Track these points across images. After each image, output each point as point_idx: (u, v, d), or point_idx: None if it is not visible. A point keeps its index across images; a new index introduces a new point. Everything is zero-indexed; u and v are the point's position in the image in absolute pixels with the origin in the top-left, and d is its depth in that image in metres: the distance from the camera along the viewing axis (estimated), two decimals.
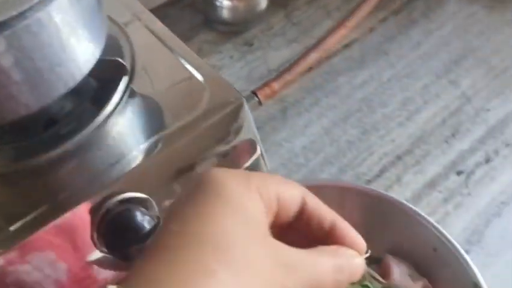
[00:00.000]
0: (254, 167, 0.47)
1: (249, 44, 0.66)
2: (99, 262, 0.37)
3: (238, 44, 0.66)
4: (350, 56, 0.65)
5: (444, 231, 0.40)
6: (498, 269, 0.47)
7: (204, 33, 0.68)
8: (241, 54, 0.65)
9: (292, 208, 0.26)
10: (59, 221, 0.32)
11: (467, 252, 0.46)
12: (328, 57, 0.64)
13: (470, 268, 0.38)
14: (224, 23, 0.67)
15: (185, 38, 0.65)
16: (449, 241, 0.39)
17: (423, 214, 0.41)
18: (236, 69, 0.63)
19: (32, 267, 0.34)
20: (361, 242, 0.27)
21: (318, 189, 0.43)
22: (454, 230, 0.49)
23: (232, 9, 0.65)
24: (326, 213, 0.27)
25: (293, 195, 0.26)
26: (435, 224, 0.40)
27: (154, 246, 0.23)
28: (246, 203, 0.23)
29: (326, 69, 0.63)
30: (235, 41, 0.66)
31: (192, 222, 0.22)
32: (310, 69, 0.63)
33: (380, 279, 0.40)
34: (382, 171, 0.54)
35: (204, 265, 0.21)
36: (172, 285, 0.20)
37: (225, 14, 0.65)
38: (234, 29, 0.67)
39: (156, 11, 0.67)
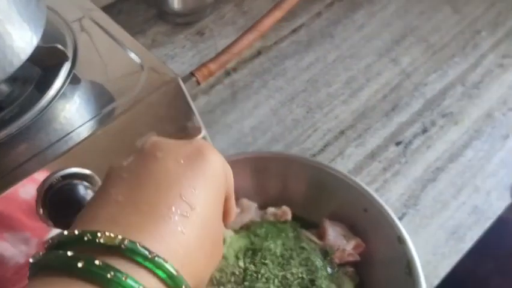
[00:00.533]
0: None
1: (201, 34, 0.68)
2: None
3: (190, 34, 0.69)
4: (297, 40, 0.68)
5: (372, 193, 0.43)
6: (432, 230, 0.51)
7: (157, 26, 0.70)
8: (193, 43, 0.67)
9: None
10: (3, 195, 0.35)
11: (403, 215, 0.50)
12: (276, 43, 0.67)
13: (395, 223, 0.41)
14: (176, 14, 0.69)
15: (139, 30, 0.68)
16: (377, 202, 0.43)
17: (354, 179, 0.44)
18: (188, 57, 0.65)
19: (10, 245, 0.36)
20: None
21: (266, 161, 0.46)
22: (391, 195, 0.52)
23: (183, 0, 0.67)
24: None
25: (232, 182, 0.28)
26: (364, 187, 0.44)
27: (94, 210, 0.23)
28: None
29: (275, 54, 0.66)
30: (188, 32, 0.69)
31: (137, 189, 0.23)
32: (259, 53, 0.66)
33: (316, 240, 0.43)
34: (326, 146, 0.57)
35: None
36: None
37: (177, 5, 0.68)
38: (187, 20, 0.70)
39: (111, 7, 0.70)
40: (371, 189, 0.44)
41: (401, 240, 0.40)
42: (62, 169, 0.37)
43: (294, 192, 0.47)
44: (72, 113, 0.40)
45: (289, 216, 0.45)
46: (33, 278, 0.21)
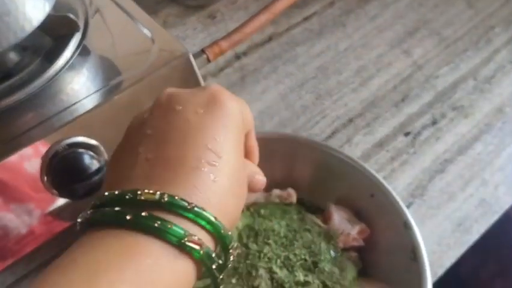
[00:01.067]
0: None
1: (212, 17, 0.68)
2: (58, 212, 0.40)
3: (202, 17, 0.68)
4: (309, 27, 0.67)
5: (380, 178, 0.43)
6: (438, 220, 0.50)
7: (169, 7, 0.70)
8: (204, 26, 0.67)
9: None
10: (8, 159, 0.35)
11: (410, 204, 0.50)
12: (288, 29, 0.67)
13: (402, 209, 0.41)
14: None
15: (151, 12, 0.68)
16: (384, 187, 0.42)
17: (362, 163, 0.44)
18: (199, 39, 0.65)
19: (14, 216, 0.37)
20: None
21: (272, 142, 0.46)
22: (398, 184, 0.52)
23: None
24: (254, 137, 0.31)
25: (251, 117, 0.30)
26: (372, 172, 0.43)
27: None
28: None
29: (286, 40, 0.66)
30: (199, 14, 0.69)
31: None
32: (270, 39, 0.66)
33: (320, 223, 0.43)
34: (334, 133, 0.56)
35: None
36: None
37: None
38: (199, 3, 0.69)
39: None
40: (378, 175, 0.43)
41: (407, 225, 0.40)
42: (68, 138, 0.37)
43: (300, 176, 0.46)
44: (80, 84, 0.40)
45: (294, 199, 0.45)
46: (84, 233, 0.22)
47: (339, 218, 0.43)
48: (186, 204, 0.21)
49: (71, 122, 0.37)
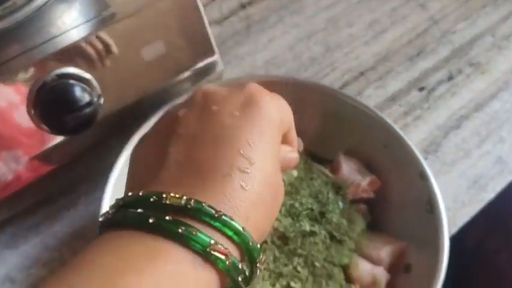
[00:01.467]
0: (208, 69, 0.46)
1: None
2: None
3: None
4: None
5: (394, 126, 0.40)
6: (453, 177, 0.47)
7: None
8: None
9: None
10: None
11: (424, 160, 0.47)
12: None
13: (418, 159, 0.38)
14: None
15: None
16: (400, 136, 0.39)
17: (375, 110, 0.41)
18: None
19: (2, 163, 0.34)
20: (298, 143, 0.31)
21: (276, 86, 0.43)
22: (412, 140, 0.49)
23: None
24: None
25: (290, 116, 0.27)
26: (386, 119, 0.40)
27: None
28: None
29: None
30: None
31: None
32: None
33: (328, 173, 0.40)
34: (344, 86, 0.53)
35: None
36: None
37: None
38: None
39: None
40: (394, 124, 0.40)
41: (423, 176, 0.37)
42: (58, 68, 0.34)
43: (307, 124, 0.43)
44: (71, 12, 0.37)
45: (301, 147, 0.42)
46: (103, 234, 0.21)
47: (348, 168, 0.41)
48: (214, 212, 0.20)
49: (60, 52, 0.34)
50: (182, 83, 0.43)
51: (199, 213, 0.20)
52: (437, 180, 0.46)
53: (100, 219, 0.22)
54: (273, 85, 0.43)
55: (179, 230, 0.19)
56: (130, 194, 0.21)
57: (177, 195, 0.20)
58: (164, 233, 0.19)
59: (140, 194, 0.21)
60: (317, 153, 0.43)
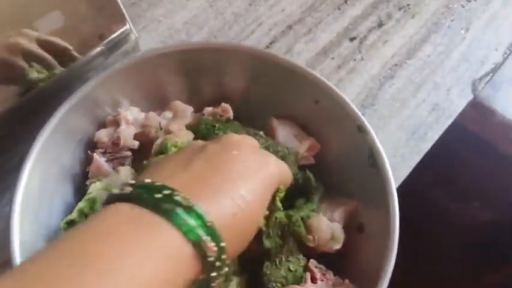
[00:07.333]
0: (121, 39, 0.41)
1: None
2: None
3: None
4: None
5: (324, 80, 0.37)
6: (392, 130, 0.46)
7: None
8: None
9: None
10: None
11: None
12: None
13: (354, 112, 0.36)
14: None
15: None
16: (330, 89, 0.36)
17: (302, 66, 0.37)
18: None
19: None
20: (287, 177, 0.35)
21: (196, 53, 0.38)
22: (347, 94, 0.46)
23: None
24: None
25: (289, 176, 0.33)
26: (314, 73, 0.37)
27: None
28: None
29: None
30: None
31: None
32: None
33: (263, 135, 0.37)
34: (272, 43, 0.50)
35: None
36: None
37: None
38: None
39: None
40: (322, 77, 0.37)
41: (361, 129, 0.35)
42: None
43: (233, 90, 0.40)
44: None
45: (231, 114, 0.38)
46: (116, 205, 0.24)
47: (284, 133, 0.38)
48: (207, 220, 0.24)
49: None
50: (93, 60, 0.38)
51: (195, 215, 0.24)
52: (376, 135, 0.44)
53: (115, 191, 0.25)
54: (193, 53, 0.39)
55: (171, 207, 0.23)
56: (147, 180, 0.25)
57: (187, 197, 0.24)
58: (157, 207, 0.23)
59: (157, 184, 0.25)
60: (247, 120, 0.39)
